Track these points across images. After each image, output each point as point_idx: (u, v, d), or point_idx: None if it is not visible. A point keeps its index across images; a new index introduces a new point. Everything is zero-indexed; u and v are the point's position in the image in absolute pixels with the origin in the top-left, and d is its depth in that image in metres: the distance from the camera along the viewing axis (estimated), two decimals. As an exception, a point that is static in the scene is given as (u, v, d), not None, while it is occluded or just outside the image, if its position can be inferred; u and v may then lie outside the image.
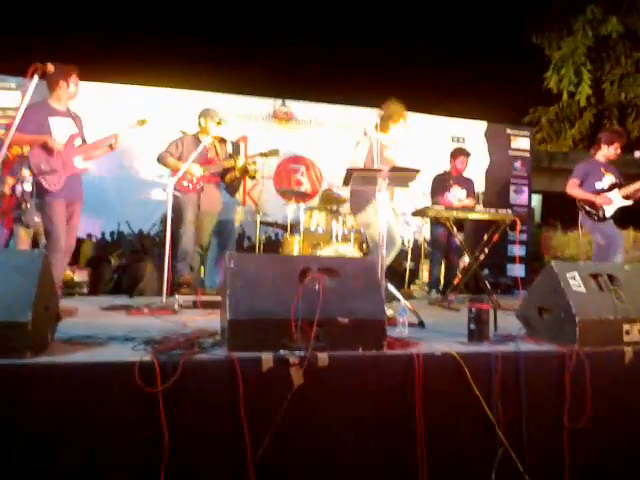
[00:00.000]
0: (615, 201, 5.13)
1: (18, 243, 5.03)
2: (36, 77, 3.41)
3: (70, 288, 5.00)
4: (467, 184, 6.03)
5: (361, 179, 4.00)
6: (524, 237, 7.68)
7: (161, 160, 5.00)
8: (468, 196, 5.87)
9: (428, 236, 6.39)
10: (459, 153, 6.10)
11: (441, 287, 5.67)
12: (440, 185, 5.92)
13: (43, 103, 4.11)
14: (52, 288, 2.53)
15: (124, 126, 4.35)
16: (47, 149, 3.99)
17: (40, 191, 4.00)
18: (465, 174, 6.14)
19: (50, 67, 3.48)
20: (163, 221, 5.47)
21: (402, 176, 3.83)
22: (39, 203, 4.03)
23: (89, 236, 6.10)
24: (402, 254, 6.69)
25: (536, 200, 10.54)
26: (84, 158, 4.22)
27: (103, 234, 6.31)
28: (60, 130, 4.11)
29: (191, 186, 4.93)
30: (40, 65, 3.42)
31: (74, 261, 4.82)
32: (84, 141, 4.28)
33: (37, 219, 4.17)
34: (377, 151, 4.03)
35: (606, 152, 5.32)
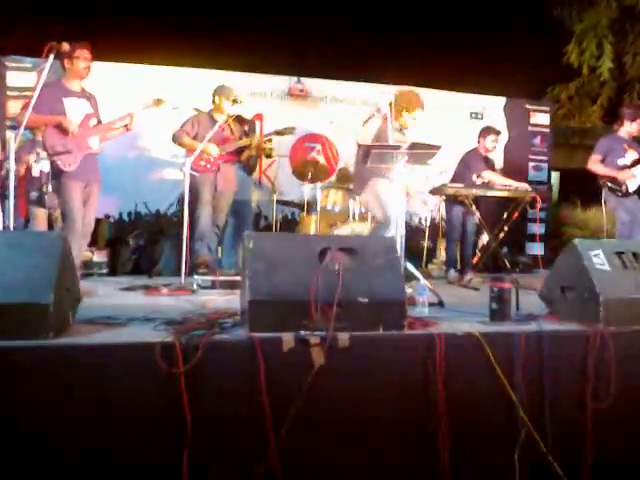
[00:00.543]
0: (638, 176, 5.04)
1: (35, 225, 5.05)
2: (51, 57, 3.40)
3: (89, 269, 5.04)
4: (490, 164, 5.82)
5: (378, 156, 3.96)
6: (543, 215, 7.57)
7: (177, 139, 4.93)
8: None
9: (444, 214, 6.30)
10: (489, 131, 5.72)
11: (458, 266, 5.62)
12: (472, 165, 5.57)
13: (57, 83, 4.09)
14: (73, 270, 2.54)
15: (139, 106, 4.32)
16: (62, 129, 3.98)
17: (56, 172, 4.01)
18: (465, 146, 5.90)
19: (65, 46, 3.47)
20: (180, 201, 5.45)
21: (422, 153, 3.78)
22: (55, 184, 4.04)
23: (107, 217, 6.11)
24: (419, 233, 6.65)
25: (554, 177, 10.38)
26: (100, 139, 4.21)
27: (121, 214, 6.32)
28: (75, 110, 4.10)
29: (209, 165, 4.88)
30: (55, 44, 3.40)
31: (93, 242, 4.83)
32: (99, 121, 4.26)
33: (56, 200, 4.18)
34: (391, 128, 3.98)
35: (629, 128, 5.22)
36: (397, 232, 3.91)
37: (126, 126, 4.26)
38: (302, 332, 2.32)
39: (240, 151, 5.11)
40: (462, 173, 5.55)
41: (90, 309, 2.74)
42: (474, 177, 5.42)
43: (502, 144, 7.71)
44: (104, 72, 5.62)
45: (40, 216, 5.06)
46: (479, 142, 5.69)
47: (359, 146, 4.42)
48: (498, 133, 5.75)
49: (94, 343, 2.19)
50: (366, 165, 4.08)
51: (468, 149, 5.77)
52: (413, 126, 4.55)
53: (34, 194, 4.91)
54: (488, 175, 5.42)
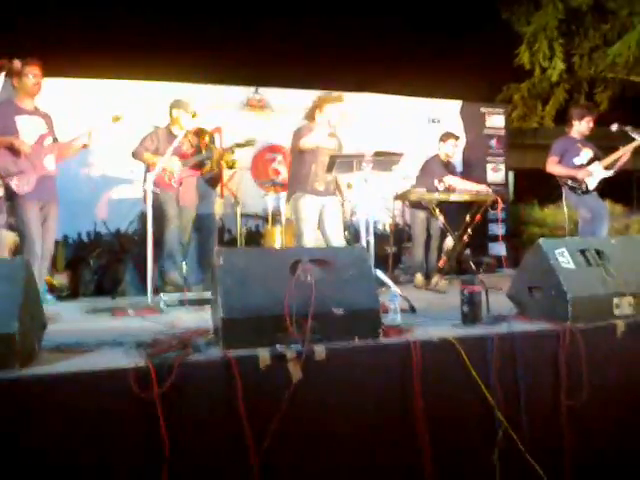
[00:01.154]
0: (596, 173, 5.19)
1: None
2: (2, 75, 3.30)
3: (50, 292, 4.88)
4: (452, 169, 5.92)
5: (343, 165, 3.99)
6: (503, 215, 7.71)
7: (137, 155, 4.81)
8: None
9: (409, 219, 6.35)
10: (448, 136, 5.78)
11: (425, 270, 5.67)
12: (434, 170, 5.63)
13: (8, 102, 3.97)
14: (37, 295, 2.45)
15: (96, 123, 4.23)
16: (14, 150, 3.86)
17: (10, 194, 3.88)
18: (420, 152, 6.02)
19: (17, 64, 3.37)
20: (141, 219, 5.35)
21: (385, 161, 3.81)
22: (10, 206, 3.91)
23: (65, 238, 5.95)
24: (384, 239, 6.68)
25: (510, 177, 10.61)
26: (55, 158, 4.09)
27: (79, 235, 6.15)
28: (28, 129, 3.98)
29: (173, 182, 4.79)
30: (6, 62, 3.30)
31: (52, 264, 4.69)
32: (55, 140, 4.15)
33: None
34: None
35: (579, 127, 5.37)
36: (366, 239, 3.95)
37: (84, 145, 4.16)
38: (278, 347, 2.29)
39: (201, 165, 5.06)
40: (424, 179, 5.61)
41: (56, 335, 2.64)
42: (436, 182, 5.49)
43: (460, 147, 7.85)
44: (57, 88, 5.49)
45: (7, 241, 4.85)
46: (439, 148, 5.76)
47: (298, 155, 4.49)
48: (457, 138, 5.83)
49: (64, 372, 2.10)
50: (331, 173, 4.11)
51: (429, 154, 5.85)
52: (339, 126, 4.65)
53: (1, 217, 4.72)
54: (449, 180, 5.49)
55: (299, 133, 4.57)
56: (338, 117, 4.47)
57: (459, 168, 7.32)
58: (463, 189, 5.39)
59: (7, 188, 3.87)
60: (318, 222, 4.58)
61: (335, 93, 4.70)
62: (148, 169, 4.67)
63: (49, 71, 4.15)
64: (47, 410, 2.00)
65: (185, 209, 4.91)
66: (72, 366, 2.18)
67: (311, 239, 4.53)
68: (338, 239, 4.62)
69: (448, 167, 5.76)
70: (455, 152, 5.88)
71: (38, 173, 3.95)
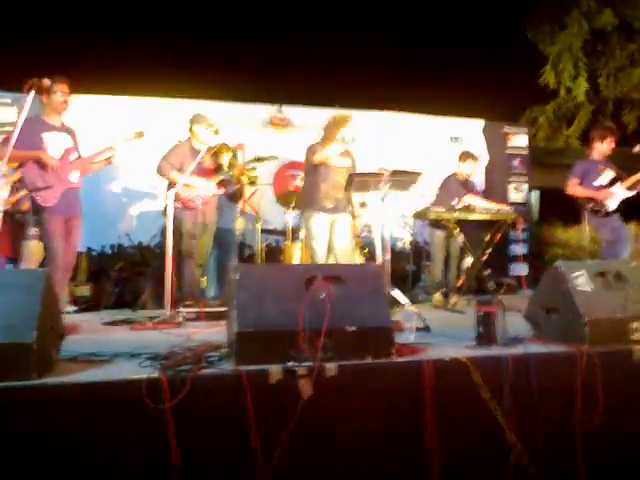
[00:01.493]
0: (618, 194, 5.14)
1: (28, 260, 4.92)
2: (32, 92, 3.40)
3: (73, 304, 4.97)
4: (470, 187, 5.92)
5: (361, 184, 4.02)
6: (525, 235, 7.65)
7: (161, 171, 4.78)
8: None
9: (428, 238, 6.34)
10: (467, 156, 5.86)
11: (444, 289, 5.64)
12: (452, 189, 5.69)
13: (36, 118, 4.08)
14: (56, 306, 2.51)
15: (119, 139, 4.31)
16: (41, 165, 3.96)
17: (36, 207, 3.98)
18: (444, 170, 6.00)
19: (46, 82, 3.46)
20: (163, 233, 5.43)
21: (403, 180, 3.83)
22: (36, 219, 4.01)
23: (89, 250, 6.06)
24: (403, 256, 6.67)
25: (534, 197, 10.52)
26: (80, 173, 4.19)
27: (103, 247, 6.27)
28: (55, 145, 4.09)
29: (199, 202, 4.80)
30: (36, 80, 3.40)
31: (74, 276, 4.78)
32: (79, 155, 4.25)
33: None
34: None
35: (600, 148, 5.34)
36: (382, 257, 3.95)
37: (108, 159, 4.26)
38: (289, 363, 2.30)
39: (223, 182, 5.10)
40: (443, 197, 5.63)
41: (74, 346, 2.69)
42: (455, 201, 5.48)
43: (482, 167, 7.83)
44: (82, 105, 5.62)
45: (36, 252, 4.94)
46: (458, 167, 5.78)
47: (311, 171, 4.55)
48: (475, 158, 5.88)
49: (79, 382, 2.15)
50: (349, 192, 4.15)
51: (448, 173, 5.86)
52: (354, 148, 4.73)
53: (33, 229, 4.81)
54: (469, 199, 5.48)
55: (312, 149, 4.64)
56: (351, 135, 4.52)
57: (481, 187, 7.32)
58: (482, 208, 5.38)
59: (34, 201, 3.97)
60: (329, 239, 4.61)
61: (343, 113, 4.75)
62: (170, 184, 4.72)
63: (75, 88, 4.26)
64: (62, 418, 2.04)
65: (205, 225, 4.94)
66: (88, 376, 2.23)
67: (323, 256, 4.56)
68: (347, 256, 4.64)
69: (467, 185, 5.76)
70: (474, 171, 5.89)
71: (63, 187, 4.05)
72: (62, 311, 2.65)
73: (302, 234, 5.79)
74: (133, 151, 4.72)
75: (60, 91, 4.05)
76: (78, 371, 2.30)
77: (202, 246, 4.91)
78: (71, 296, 4.94)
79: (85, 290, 5.24)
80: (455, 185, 5.62)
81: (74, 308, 4.86)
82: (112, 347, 2.74)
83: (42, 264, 4.80)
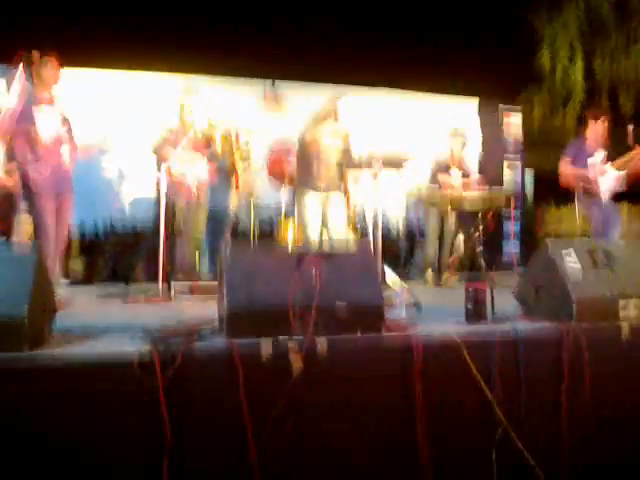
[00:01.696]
0: (609, 174, 5.15)
1: (20, 233, 4.91)
2: (21, 65, 3.37)
3: (65, 277, 4.97)
4: (462, 165, 5.96)
5: (323, 162, 4.07)
6: (518, 214, 7.68)
7: (158, 153, 4.71)
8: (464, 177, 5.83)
9: (422, 216, 6.35)
10: (455, 134, 5.94)
11: (436, 267, 5.67)
12: (440, 168, 5.77)
13: (26, 92, 4.04)
14: (48, 280, 2.51)
15: (111, 123, 4.28)
16: (30, 139, 3.93)
17: (26, 182, 3.97)
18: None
19: (35, 55, 3.43)
20: (156, 208, 5.41)
21: (395, 160, 3.85)
22: (26, 194, 4.00)
23: (82, 224, 6.05)
24: (396, 234, 6.70)
25: (529, 176, 10.53)
26: (71, 153, 4.17)
27: (96, 222, 6.25)
28: (45, 119, 4.04)
29: (193, 182, 4.78)
30: (25, 53, 3.37)
31: (68, 250, 4.77)
32: (70, 129, 4.21)
33: None
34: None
35: (594, 128, 5.33)
36: (374, 234, 3.97)
37: (100, 146, 4.24)
38: (280, 338, 2.33)
39: (212, 156, 5.06)
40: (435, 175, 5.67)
41: (67, 320, 2.71)
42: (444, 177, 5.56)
43: (477, 145, 7.82)
44: (71, 78, 5.54)
45: (26, 225, 4.93)
46: (448, 144, 5.83)
47: (303, 149, 4.55)
48: (463, 135, 5.93)
49: (70, 355, 2.17)
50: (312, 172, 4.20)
51: (444, 151, 5.89)
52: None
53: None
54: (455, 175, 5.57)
55: (304, 127, 4.62)
56: (345, 115, 4.52)
57: (474, 166, 7.31)
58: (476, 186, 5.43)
59: (24, 176, 3.95)
60: (322, 217, 4.63)
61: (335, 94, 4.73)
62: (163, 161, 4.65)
63: (66, 61, 4.20)
64: (53, 392, 2.06)
65: (199, 203, 4.91)
66: (79, 350, 2.25)
67: (315, 234, 4.58)
68: (341, 233, 4.66)
69: (455, 163, 5.81)
70: (462, 149, 5.92)
71: (54, 162, 4.02)
72: (54, 285, 2.65)
73: (295, 211, 5.80)
74: (123, 127, 4.67)
75: (49, 63, 4.00)
76: (70, 345, 2.32)
77: (196, 223, 4.91)
78: (64, 270, 4.94)
79: (78, 264, 5.24)
80: (441, 165, 5.72)
81: (67, 282, 4.86)
82: (104, 321, 2.77)
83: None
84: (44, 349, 2.22)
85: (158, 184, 4.17)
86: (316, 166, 4.57)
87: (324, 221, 4.67)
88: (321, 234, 4.70)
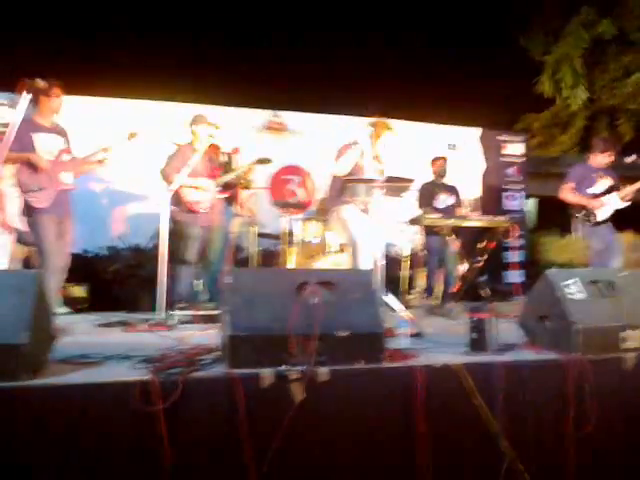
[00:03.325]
0: (611, 204, 5.15)
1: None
2: (25, 93, 3.40)
3: (67, 305, 4.96)
4: (452, 191, 6.02)
5: (354, 189, 4.02)
6: (521, 242, 7.68)
7: (166, 175, 4.70)
8: (457, 202, 5.88)
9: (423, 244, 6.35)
10: (436, 158, 6.22)
11: (439, 295, 5.65)
12: (426, 194, 5.93)
13: (27, 119, 4.07)
14: (48, 308, 2.50)
15: (113, 140, 4.31)
16: (32, 166, 3.96)
17: (29, 209, 3.98)
18: (449, 180, 6.14)
19: (39, 82, 3.47)
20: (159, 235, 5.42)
21: (396, 186, 3.84)
22: (29, 221, 4.01)
23: (85, 252, 6.05)
24: (398, 262, 6.67)
25: (532, 204, 10.56)
26: (73, 174, 4.19)
27: (99, 249, 6.26)
28: (45, 146, 4.07)
29: (207, 206, 4.77)
30: (29, 80, 3.40)
31: (70, 278, 4.76)
32: (72, 156, 4.24)
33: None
34: (369, 162, 4.06)
35: (599, 159, 5.34)
36: (376, 262, 3.95)
37: (100, 160, 4.25)
38: (281, 367, 2.31)
39: (228, 185, 5.08)
40: (421, 205, 5.90)
41: (67, 347, 2.69)
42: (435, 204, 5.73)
43: (480, 175, 7.87)
44: (76, 106, 5.61)
45: (16, 253, 4.95)
46: (432, 170, 6.11)
47: (333, 178, 4.49)
48: (444, 158, 6.18)
49: (70, 383, 2.15)
50: (340, 197, 4.14)
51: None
52: (385, 154, 4.62)
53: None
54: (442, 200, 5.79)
55: (337, 155, 4.55)
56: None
57: (478, 194, 7.36)
58: (478, 215, 5.47)
59: (26, 203, 3.97)
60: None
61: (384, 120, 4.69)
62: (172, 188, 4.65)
63: (70, 89, 4.25)
64: (52, 420, 2.04)
65: (212, 229, 4.88)
66: (79, 378, 2.23)
67: (366, 244, 4.39)
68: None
69: (442, 188, 5.85)
70: (443, 171, 6.07)
71: (56, 188, 4.04)
72: (54, 313, 2.64)
73: (298, 238, 5.80)
74: (127, 153, 4.69)
75: (54, 92, 4.04)
76: (69, 373, 2.30)
77: (213, 250, 4.88)
78: (65, 297, 4.93)
79: (80, 291, 5.23)
80: (426, 191, 5.87)
81: (68, 310, 4.84)
82: (105, 349, 2.74)
83: (27, 265, 4.81)
84: (43, 377, 2.20)
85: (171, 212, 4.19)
86: (354, 191, 4.44)
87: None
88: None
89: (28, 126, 4.02)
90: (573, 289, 2.88)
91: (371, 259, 4.19)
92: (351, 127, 6.83)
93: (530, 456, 2.52)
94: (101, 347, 2.82)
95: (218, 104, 6.87)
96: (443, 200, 5.87)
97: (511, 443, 2.49)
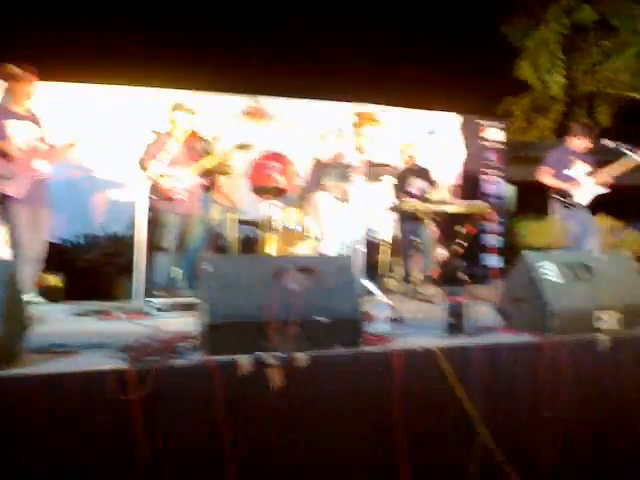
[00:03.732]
0: (588, 188, 5.20)
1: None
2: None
3: (43, 295, 4.89)
4: (424, 174, 6.01)
5: (334, 174, 4.01)
6: (500, 227, 7.73)
7: (144, 164, 4.61)
8: (430, 185, 5.85)
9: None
10: (405, 145, 6.10)
11: (417, 280, 5.67)
12: (399, 180, 5.79)
13: (0, 106, 4.00)
14: (20, 298, 2.46)
15: (88, 128, 4.24)
16: (4, 154, 3.88)
17: (2, 197, 3.91)
18: (423, 164, 6.09)
19: (11, 68, 3.40)
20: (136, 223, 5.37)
21: (375, 170, 3.84)
22: (1, 209, 3.94)
23: (62, 240, 5.97)
24: (377, 248, 6.68)
25: (511, 190, 10.62)
26: (48, 161, 4.11)
27: (76, 237, 6.18)
28: (19, 133, 4.00)
29: (184, 194, 4.72)
30: (0, 67, 3.33)
31: (47, 266, 4.70)
32: (47, 144, 4.17)
33: None
34: (353, 149, 4.06)
35: (576, 142, 5.39)
36: (355, 248, 3.96)
37: (72, 144, 4.15)
38: (259, 354, 2.30)
39: (206, 171, 5.03)
40: (397, 192, 5.75)
41: (42, 337, 2.65)
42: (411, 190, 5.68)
43: (461, 161, 7.89)
44: (51, 93, 5.50)
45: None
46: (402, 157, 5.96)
47: (314, 165, 4.50)
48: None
49: (44, 373, 2.12)
50: (321, 182, 4.13)
51: (427, 165, 5.95)
52: (368, 143, 4.61)
53: None
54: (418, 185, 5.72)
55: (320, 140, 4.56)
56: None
57: (459, 181, 7.39)
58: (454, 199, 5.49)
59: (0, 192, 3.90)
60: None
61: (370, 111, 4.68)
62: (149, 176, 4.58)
63: (44, 75, 4.17)
64: (27, 411, 2.01)
65: (191, 217, 4.85)
66: (54, 368, 2.20)
67: (333, 233, 4.47)
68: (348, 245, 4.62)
69: (415, 173, 5.85)
70: (413, 157, 6.00)
71: (30, 177, 3.97)
72: (28, 302, 2.60)
73: (278, 225, 5.78)
74: (103, 141, 4.63)
75: (26, 78, 3.96)
76: (44, 362, 2.27)
77: (192, 237, 4.84)
78: (41, 287, 4.86)
79: (56, 281, 5.16)
80: (400, 178, 5.74)
81: (44, 299, 4.78)
82: (80, 338, 2.71)
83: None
84: (17, 367, 2.17)
85: (136, 200, 4.13)
86: (332, 177, 4.46)
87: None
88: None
89: (0, 113, 3.94)
90: (549, 271, 2.90)
91: (338, 249, 4.26)
92: (332, 113, 6.83)
93: (506, 438, 2.56)
94: (77, 336, 2.79)
95: (197, 89, 6.78)
96: (416, 184, 5.81)
97: (488, 425, 2.53)
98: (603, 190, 5.22)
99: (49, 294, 4.96)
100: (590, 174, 5.25)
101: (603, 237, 5.49)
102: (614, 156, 5.36)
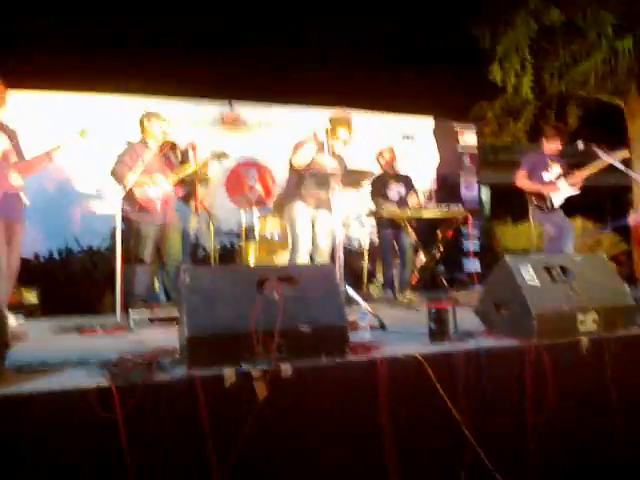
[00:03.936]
0: (562, 190, 5.28)
1: None
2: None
3: (18, 310, 4.80)
4: (402, 178, 6.03)
5: (312, 181, 4.02)
6: (476, 232, 7.81)
7: (118, 175, 4.57)
8: (408, 191, 5.86)
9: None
10: (382, 150, 6.08)
11: (398, 286, 5.70)
12: (378, 185, 5.83)
13: None
14: (2, 315, 2.41)
15: (63, 138, 4.16)
16: None
17: None
18: (401, 170, 6.12)
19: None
20: (113, 236, 5.30)
21: (354, 178, 3.85)
22: None
23: (36, 255, 5.87)
24: (358, 255, 6.70)
25: (485, 193, 10.75)
26: (21, 174, 4.02)
27: (51, 252, 6.08)
28: None
29: (158, 203, 4.66)
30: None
31: (22, 282, 4.61)
32: (21, 157, 4.09)
33: None
34: (327, 155, 4.06)
35: (550, 146, 5.48)
36: (335, 256, 3.96)
37: (48, 154, 4.06)
38: (243, 365, 2.28)
39: (183, 181, 4.98)
40: (374, 197, 5.81)
41: (20, 355, 2.59)
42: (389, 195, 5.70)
43: (434, 165, 7.96)
44: (23, 102, 5.42)
45: None
46: (379, 162, 5.98)
47: (292, 170, 4.49)
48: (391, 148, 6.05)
49: (24, 392, 2.07)
50: (294, 192, 4.13)
51: (404, 170, 5.98)
52: (344, 149, 4.62)
53: None
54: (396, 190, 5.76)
55: (295, 147, 4.55)
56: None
57: (433, 185, 7.44)
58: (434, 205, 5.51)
59: None
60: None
61: (344, 115, 4.66)
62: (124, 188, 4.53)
63: (14, 83, 4.08)
64: (7, 430, 1.97)
65: (168, 226, 4.76)
66: (34, 386, 2.15)
67: (306, 244, 4.50)
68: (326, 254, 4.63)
69: (394, 178, 5.88)
70: (391, 159, 5.99)
71: (3, 190, 3.88)
72: (6, 319, 2.54)
73: (257, 234, 5.77)
74: (77, 151, 4.54)
75: None
76: (24, 381, 2.21)
77: (171, 248, 4.77)
78: (16, 303, 4.77)
79: (32, 297, 5.07)
80: (377, 183, 5.78)
81: (20, 316, 4.69)
82: (60, 355, 2.66)
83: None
84: (-2, 387, 2.12)
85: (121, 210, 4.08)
86: (305, 184, 4.49)
87: (314, 237, 4.60)
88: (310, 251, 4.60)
89: None
90: (528, 275, 2.94)
91: (316, 257, 4.28)
92: (308, 119, 6.84)
93: (491, 442, 2.57)
94: (56, 353, 2.74)
95: (170, 96, 6.72)
96: (395, 190, 5.82)
97: (472, 430, 2.53)
98: (575, 192, 5.30)
99: (25, 310, 4.88)
100: (562, 176, 5.34)
101: (577, 239, 5.56)
102: (584, 158, 5.46)
